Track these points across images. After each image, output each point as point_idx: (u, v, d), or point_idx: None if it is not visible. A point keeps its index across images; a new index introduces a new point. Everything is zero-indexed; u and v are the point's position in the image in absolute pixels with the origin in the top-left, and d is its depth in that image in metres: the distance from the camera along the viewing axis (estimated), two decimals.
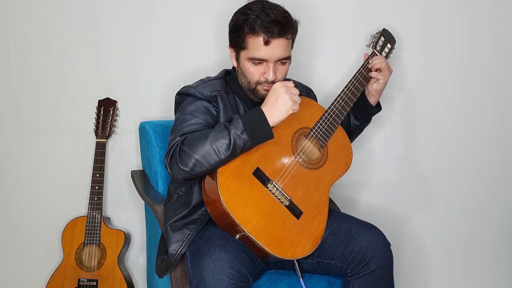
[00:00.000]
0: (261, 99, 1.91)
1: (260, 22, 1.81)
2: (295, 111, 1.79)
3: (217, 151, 1.71)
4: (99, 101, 2.46)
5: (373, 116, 2.17)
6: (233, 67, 1.99)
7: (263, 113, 1.75)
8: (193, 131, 1.80)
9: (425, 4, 2.54)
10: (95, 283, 2.36)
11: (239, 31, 1.86)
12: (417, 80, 2.57)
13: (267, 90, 1.87)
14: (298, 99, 1.79)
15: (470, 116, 2.61)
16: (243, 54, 1.88)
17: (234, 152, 1.73)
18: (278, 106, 1.76)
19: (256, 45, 1.84)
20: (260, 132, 1.74)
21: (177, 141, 1.76)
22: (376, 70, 2.04)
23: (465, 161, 2.62)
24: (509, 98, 2.62)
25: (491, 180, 2.64)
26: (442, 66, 2.57)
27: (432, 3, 2.54)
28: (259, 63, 1.86)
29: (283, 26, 1.83)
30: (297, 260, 1.83)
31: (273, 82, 1.87)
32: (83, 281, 2.36)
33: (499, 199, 2.66)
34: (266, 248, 1.71)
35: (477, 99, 2.61)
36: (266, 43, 1.82)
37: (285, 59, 1.88)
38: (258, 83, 1.89)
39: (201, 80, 1.98)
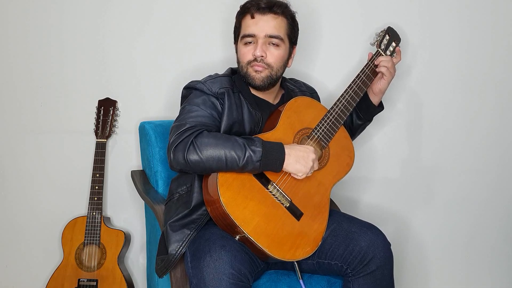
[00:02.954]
0: (254, 85, 1.93)
1: (250, 1, 1.91)
2: (299, 177, 1.81)
3: (225, 163, 1.71)
4: (99, 101, 2.46)
5: (377, 117, 2.20)
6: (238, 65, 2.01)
7: (284, 157, 1.77)
8: (201, 123, 1.80)
9: (426, 4, 2.54)
10: (95, 283, 2.36)
11: (236, 18, 1.96)
12: (418, 80, 2.57)
13: (258, 71, 1.91)
14: (311, 173, 1.82)
15: (470, 115, 2.61)
16: (239, 41, 1.95)
17: (239, 170, 1.74)
18: (299, 161, 1.79)
19: (246, 22, 1.91)
20: (271, 167, 1.77)
21: (191, 132, 1.75)
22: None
23: (465, 161, 2.62)
24: (509, 98, 2.61)
25: (491, 180, 2.65)
26: (442, 66, 2.57)
27: (433, 3, 2.54)
28: (250, 41, 1.91)
29: (271, 2, 1.90)
30: (297, 261, 1.83)
31: (263, 62, 1.89)
32: (83, 281, 2.36)
33: (499, 199, 2.66)
34: (266, 250, 1.70)
35: (477, 99, 2.61)
36: (252, 16, 1.89)
37: (276, 39, 1.90)
38: (249, 63, 1.91)
39: (210, 76, 1.98)
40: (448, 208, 2.64)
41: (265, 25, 1.89)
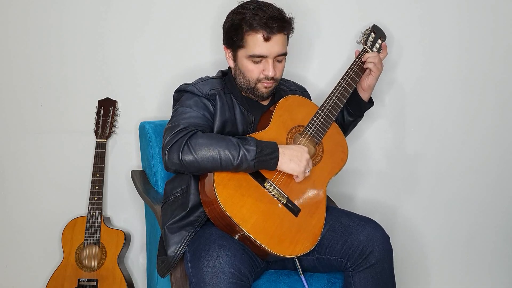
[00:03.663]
0: (261, 97, 1.95)
1: (259, 19, 1.85)
2: (297, 178, 1.82)
3: (219, 162, 1.72)
4: (99, 101, 2.46)
5: (368, 113, 2.22)
6: (229, 68, 2.00)
7: (278, 156, 1.78)
8: (194, 124, 1.81)
9: (425, 3, 2.54)
10: (95, 283, 2.36)
11: (237, 30, 1.88)
12: (418, 80, 2.57)
13: (267, 87, 1.92)
14: (308, 173, 1.83)
15: (469, 115, 2.61)
16: (241, 53, 1.90)
17: (234, 169, 1.75)
18: (293, 160, 1.79)
19: (256, 42, 1.86)
20: (265, 166, 1.77)
21: (185, 132, 1.75)
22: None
23: (465, 161, 2.62)
24: (509, 98, 2.61)
25: (491, 180, 2.64)
26: (440, 63, 2.57)
27: (432, 3, 2.54)
28: (259, 60, 1.88)
29: (281, 21, 1.87)
30: (297, 258, 1.83)
31: (272, 79, 1.90)
32: (83, 281, 2.36)
33: (499, 199, 2.65)
34: (266, 247, 1.71)
35: (477, 99, 2.61)
36: (267, 39, 1.85)
37: (282, 56, 1.91)
38: (258, 80, 1.91)
39: (200, 78, 1.99)
40: (448, 208, 2.64)
41: (276, 45, 1.87)
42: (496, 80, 2.60)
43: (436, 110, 2.60)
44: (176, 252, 1.82)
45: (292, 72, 2.45)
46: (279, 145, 1.79)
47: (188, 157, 1.72)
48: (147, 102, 2.51)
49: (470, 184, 2.64)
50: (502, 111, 2.62)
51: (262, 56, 1.88)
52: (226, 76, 2.02)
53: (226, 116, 1.89)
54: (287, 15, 1.92)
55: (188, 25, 2.49)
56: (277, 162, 1.77)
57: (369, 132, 2.58)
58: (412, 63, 2.55)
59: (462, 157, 2.62)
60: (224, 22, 1.95)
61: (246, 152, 1.73)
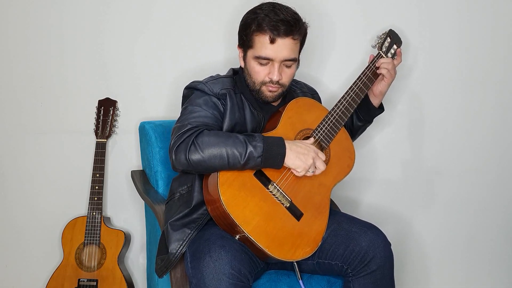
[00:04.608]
0: (265, 101, 1.93)
1: (268, 21, 1.83)
2: (299, 174, 1.81)
3: (227, 160, 1.71)
4: (99, 101, 2.46)
5: (377, 119, 2.20)
6: (241, 67, 1.99)
7: (285, 151, 1.77)
8: (203, 123, 1.80)
9: (427, 5, 2.54)
10: (95, 283, 2.36)
11: (247, 29, 1.88)
12: (418, 81, 2.57)
13: (272, 91, 1.90)
14: (311, 172, 1.82)
15: (470, 116, 2.61)
16: (249, 53, 1.89)
17: (241, 167, 1.74)
18: (299, 158, 1.78)
19: (262, 43, 1.85)
20: (272, 163, 1.77)
21: (192, 132, 1.75)
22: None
23: (466, 161, 2.62)
24: (509, 98, 2.61)
25: (491, 180, 2.65)
26: (442, 67, 2.57)
27: (433, 4, 2.54)
28: (265, 63, 1.87)
29: (290, 26, 1.84)
30: (297, 261, 1.83)
31: (278, 83, 1.88)
32: (83, 281, 2.36)
33: (499, 199, 2.66)
34: (266, 250, 1.70)
35: (477, 99, 2.61)
36: (272, 41, 1.83)
37: (291, 61, 1.88)
38: (263, 83, 1.90)
39: (211, 76, 1.98)
40: (448, 208, 2.64)
41: (283, 49, 1.84)
42: (496, 80, 2.60)
43: (436, 110, 2.60)
44: (178, 250, 1.81)
45: (305, 73, 2.45)
46: (286, 141, 1.78)
47: (195, 156, 1.71)
48: (147, 102, 2.50)
49: (470, 184, 2.64)
50: (502, 111, 2.62)
51: (268, 59, 1.86)
52: (237, 75, 2.00)
53: (236, 117, 1.88)
54: (302, 20, 1.89)
55: (188, 25, 2.48)
56: (284, 158, 1.77)
57: (378, 138, 2.58)
58: (412, 63, 2.55)
59: (462, 157, 2.62)
60: (240, 20, 1.93)
61: (253, 149, 1.72)
